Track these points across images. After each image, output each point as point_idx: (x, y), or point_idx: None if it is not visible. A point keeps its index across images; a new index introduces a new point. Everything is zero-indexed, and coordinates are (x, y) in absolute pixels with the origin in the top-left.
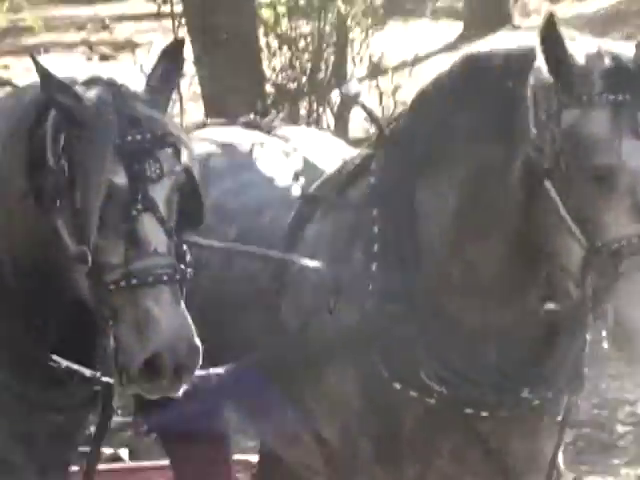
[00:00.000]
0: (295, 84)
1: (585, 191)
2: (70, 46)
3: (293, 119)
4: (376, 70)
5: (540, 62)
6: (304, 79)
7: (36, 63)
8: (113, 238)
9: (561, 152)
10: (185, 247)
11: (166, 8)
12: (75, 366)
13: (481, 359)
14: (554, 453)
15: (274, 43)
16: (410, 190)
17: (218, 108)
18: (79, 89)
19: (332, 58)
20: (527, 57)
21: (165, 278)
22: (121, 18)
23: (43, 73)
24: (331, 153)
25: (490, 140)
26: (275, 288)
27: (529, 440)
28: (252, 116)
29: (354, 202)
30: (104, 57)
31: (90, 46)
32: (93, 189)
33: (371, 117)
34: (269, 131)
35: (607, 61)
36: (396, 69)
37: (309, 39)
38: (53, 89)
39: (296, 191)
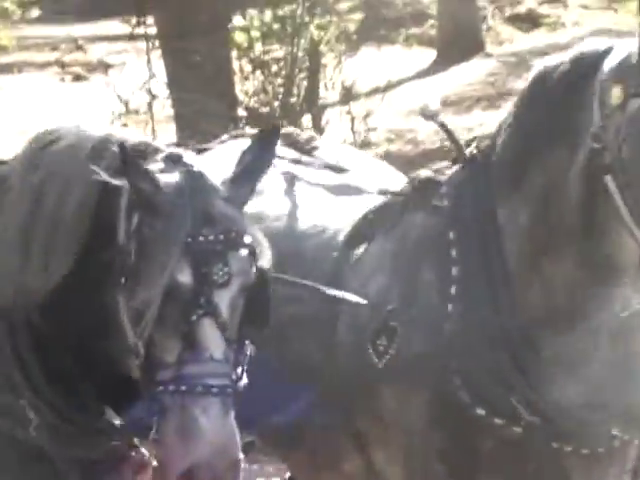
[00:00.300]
0: (267, 108)
1: None
2: (43, 66)
3: None
4: (348, 95)
5: (611, 58)
6: (276, 103)
7: (122, 148)
8: (170, 335)
9: (624, 142)
10: (244, 352)
11: (140, 30)
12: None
13: (570, 389)
14: None
15: (247, 67)
16: (491, 210)
17: (190, 130)
18: (158, 169)
19: (304, 83)
20: (595, 58)
21: (216, 390)
22: (94, 39)
23: (125, 158)
24: (380, 175)
25: (555, 144)
26: (330, 309)
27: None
28: (291, 130)
29: (424, 223)
30: (77, 77)
31: (63, 66)
32: (156, 282)
33: (451, 138)
34: (309, 150)
35: None
36: (368, 95)
37: (282, 63)
38: (133, 174)
39: (347, 214)
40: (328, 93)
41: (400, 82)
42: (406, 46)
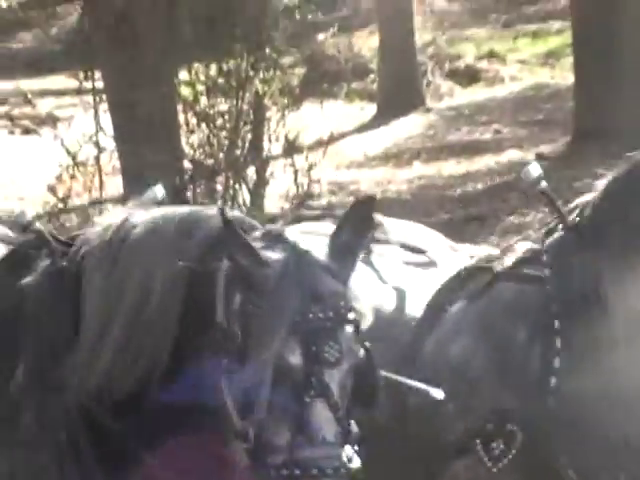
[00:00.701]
0: (212, 160)
1: None
2: None
3: (210, 195)
4: (292, 148)
5: None
6: (221, 155)
7: (223, 215)
8: (279, 418)
9: None
10: (355, 433)
11: (87, 84)
12: None
13: None
14: None
15: (193, 120)
16: (597, 285)
17: (137, 183)
18: (260, 247)
19: (249, 136)
20: None
21: (330, 472)
22: (43, 93)
23: (230, 231)
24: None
25: None
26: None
27: None
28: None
29: (518, 293)
30: (26, 131)
31: (12, 119)
32: (265, 364)
33: (553, 206)
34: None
35: None
36: (311, 148)
37: (227, 117)
38: (235, 248)
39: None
40: (272, 146)
41: (342, 135)
42: (348, 100)
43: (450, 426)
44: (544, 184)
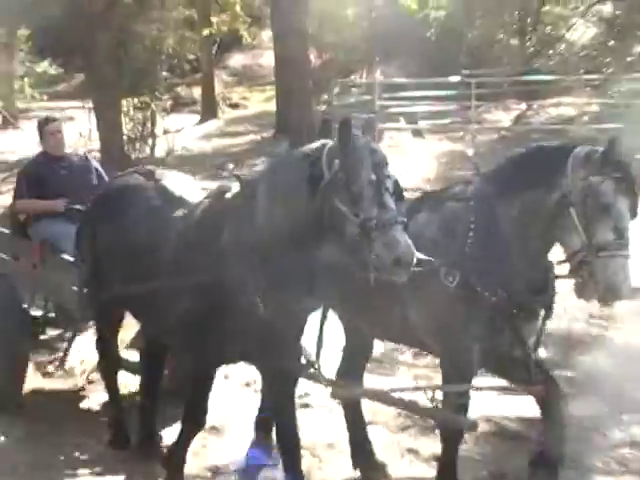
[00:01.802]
0: (134, 136)
1: (593, 216)
2: None
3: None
4: (166, 132)
5: (578, 151)
6: (137, 134)
7: (346, 123)
8: (368, 205)
9: (587, 196)
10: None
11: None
12: None
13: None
14: None
15: (126, 119)
16: (493, 205)
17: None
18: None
19: (149, 126)
20: (570, 148)
21: (399, 220)
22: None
23: (344, 125)
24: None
25: (539, 184)
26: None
27: None
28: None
29: (457, 207)
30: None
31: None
32: (363, 182)
33: (476, 168)
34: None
35: (602, 155)
36: (178, 131)
37: (141, 118)
38: (349, 136)
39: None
40: (158, 130)
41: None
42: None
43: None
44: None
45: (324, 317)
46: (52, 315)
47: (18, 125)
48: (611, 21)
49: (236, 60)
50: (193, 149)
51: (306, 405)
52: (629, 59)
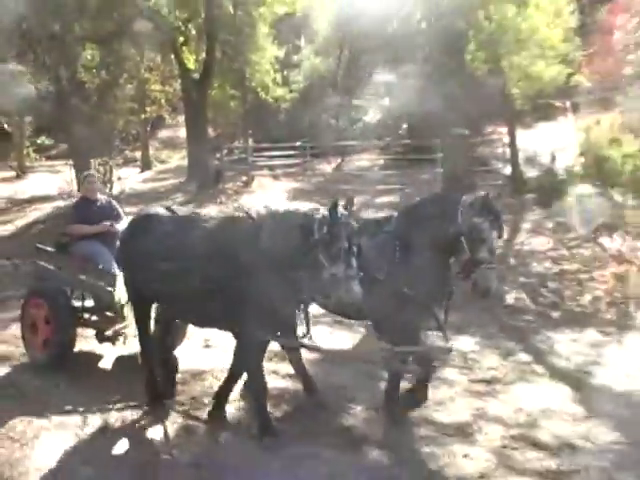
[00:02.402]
0: None
1: (475, 243)
2: None
3: None
4: None
5: (464, 199)
6: None
7: (334, 204)
8: (338, 263)
9: (472, 229)
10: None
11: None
12: None
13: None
14: None
15: None
16: (409, 233)
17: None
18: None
19: None
20: (459, 197)
21: (356, 275)
22: None
23: (333, 205)
24: None
25: (442, 221)
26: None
27: None
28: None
29: (385, 235)
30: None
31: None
32: (340, 247)
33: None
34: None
35: (480, 202)
36: None
37: None
38: (335, 214)
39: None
40: None
41: None
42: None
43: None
44: None
45: (307, 307)
46: (90, 304)
47: (26, 177)
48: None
49: (163, 133)
50: (136, 189)
51: (208, 346)
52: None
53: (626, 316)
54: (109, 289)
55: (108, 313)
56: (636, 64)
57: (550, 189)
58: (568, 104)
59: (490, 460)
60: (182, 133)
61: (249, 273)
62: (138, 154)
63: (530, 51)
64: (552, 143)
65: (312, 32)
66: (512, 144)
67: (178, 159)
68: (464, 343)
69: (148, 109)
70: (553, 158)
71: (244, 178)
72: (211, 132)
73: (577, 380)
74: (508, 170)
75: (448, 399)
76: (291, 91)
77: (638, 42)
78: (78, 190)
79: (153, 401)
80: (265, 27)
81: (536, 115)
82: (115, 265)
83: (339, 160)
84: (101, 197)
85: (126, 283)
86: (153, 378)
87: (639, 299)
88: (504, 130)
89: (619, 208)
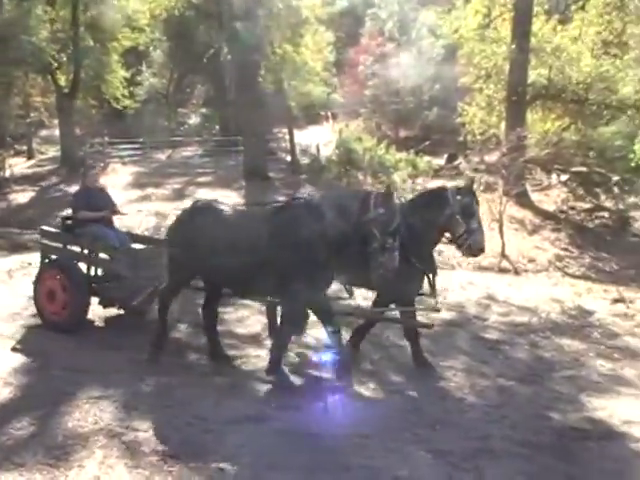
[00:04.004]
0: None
1: (467, 217)
2: None
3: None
4: None
5: (451, 188)
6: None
7: (388, 191)
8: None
9: (461, 208)
10: None
11: None
12: None
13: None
14: None
15: None
16: (411, 215)
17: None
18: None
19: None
20: (444, 188)
21: (397, 247)
22: None
23: (388, 191)
24: None
25: (435, 209)
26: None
27: None
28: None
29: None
30: None
31: None
32: (393, 224)
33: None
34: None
35: (463, 189)
36: None
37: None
38: (390, 197)
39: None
40: None
41: None
42: None
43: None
44: None
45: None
46: (100, 274)
47: None
48: (207, 114)
49: (43, 132)
50: (23, 172)
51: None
52: (214, 131)
53: None
54: (125, 261)
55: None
56: (372, 88)
57: (316, 171)
58: (329, 113)
59: None
60: (57, 132)
61: (310, 249)
62: (25, 147)
63: (302, 77)
64: (318, 140)
65: (151, 59)
66: (291, 140)
67: (54, 151)
68: None
69: (32, 114)
70: (318, 150)
71: (101, 164)
72: (78, 131)
73: None
74: (289, 158)
75: (245, 317)
76: (135, 102)
77: (373, 73)
78: None
79: (154, 352)
80: (116, 55)
81: (307, 120)
82: (119, 242)
83: (170, 151)
84: (99, 186)
85: (173, 258)
86: (160, 338)
87: None
88: (286, 130)
89: (360, 184)
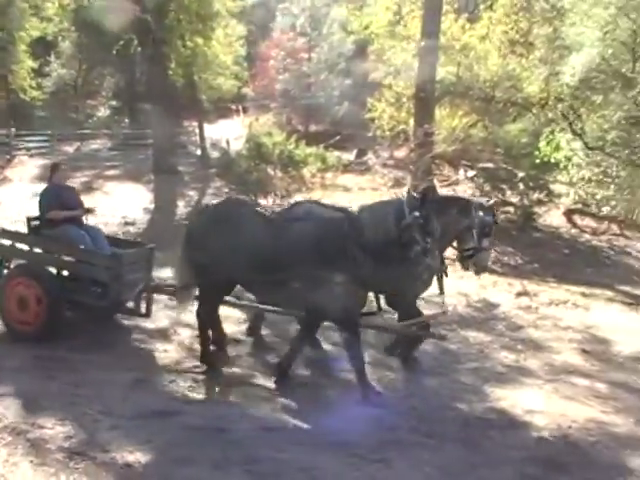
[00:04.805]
0: None
1: (482, 234)
2: None
3: None
4: None
5: (475, 201)
6: None
7: (428, 190)
8: (428, 239)
9: (479, 223)
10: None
11: None
12: None
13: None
14: None
15: None
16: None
17: None
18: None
19: None
20: (468, 200)
21: (436, 250)
22: None
23: (428, 190)
24: None
25: (457, 215)
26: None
27: None
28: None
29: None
30: None
31: None
32: (433, 227)
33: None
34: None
35: (486, 205)
36: None
37: None
38: (426, 198)
39: None
40: None
41: None
42: None
43: None
44: None
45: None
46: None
47: None
48: (117, 107)
49: None
50: None
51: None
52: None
53: None
54: (107, 266)
55: (94, 288)
56: (283, 82)
57: (226, 165)
58: (240, 107)
59: (180, 352)
60: None
61: (349, 259)
62: None
63: (213, 70)
64: (228, 134)
65: (59, 50)
66: (201, 134)
67: None
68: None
69: None
70: (228, 144)
71: (7, 157)
72: None
73: None
74: (199, 152)
75: (154, 311)
76: (43, 93)
77: (284, 67)
78: None
79: (210, 368)
80: (24, 45)
81: (218, 114)
82: (98, 245)
83: (78, 144)
84: (66, 184)
85: (201, 264)
86: (208, 349)
87: None
88: (196, 124)
89: (270, 178)
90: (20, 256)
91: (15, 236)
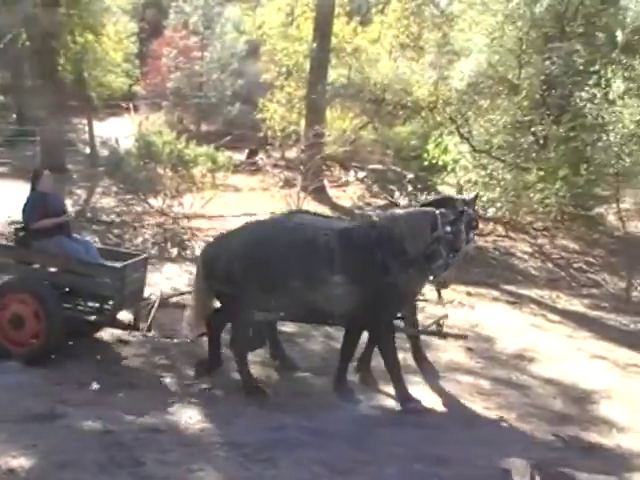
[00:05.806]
0: None
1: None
2: None
3: None
4: None
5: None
6: None
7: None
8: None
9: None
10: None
11: None
12: None
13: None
14: None
15: None
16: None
17: None
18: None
19: None
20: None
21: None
22: None
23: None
24: None
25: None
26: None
27: None
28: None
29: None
30: None
31: None
32: (461, 242)
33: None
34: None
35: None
36: None
37: None
38: (458, 214)
39: None
40: None
41: None
42: None
43: None
44: None
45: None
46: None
47: None
48: (3, 102)
49: None
50: None
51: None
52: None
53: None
54: (109, 280)
55: (91, 303)
56: (175, 81)
57: (115, 164)
58: (130, 105)
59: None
60: None
61: (388, 270)
62: None
63: (103, 67)
64: (118, 132)
65: None
66: (90, 132)
67: None
68: None
69: None
70: (117, 142)
71: None
72: None
73: None
74: (88, 150)
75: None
76: None
77: (176, 66)
78: None
79: (255, 391)
80: None
81: (108, 112)
82: (91, 255)
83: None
84: (51, 192)
85: (241, 287)
86: (249, 372)
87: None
88: (86, 121)
89: (159, 177)
90: (14, 272)
91: (3, 250)
